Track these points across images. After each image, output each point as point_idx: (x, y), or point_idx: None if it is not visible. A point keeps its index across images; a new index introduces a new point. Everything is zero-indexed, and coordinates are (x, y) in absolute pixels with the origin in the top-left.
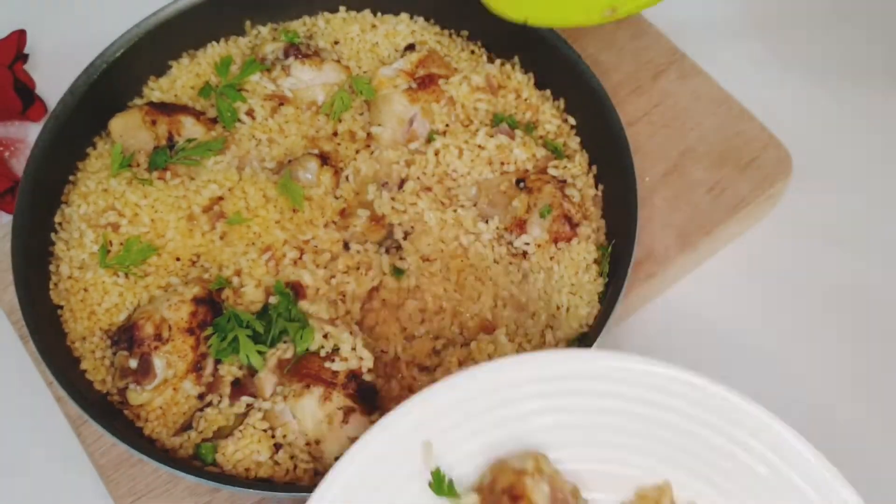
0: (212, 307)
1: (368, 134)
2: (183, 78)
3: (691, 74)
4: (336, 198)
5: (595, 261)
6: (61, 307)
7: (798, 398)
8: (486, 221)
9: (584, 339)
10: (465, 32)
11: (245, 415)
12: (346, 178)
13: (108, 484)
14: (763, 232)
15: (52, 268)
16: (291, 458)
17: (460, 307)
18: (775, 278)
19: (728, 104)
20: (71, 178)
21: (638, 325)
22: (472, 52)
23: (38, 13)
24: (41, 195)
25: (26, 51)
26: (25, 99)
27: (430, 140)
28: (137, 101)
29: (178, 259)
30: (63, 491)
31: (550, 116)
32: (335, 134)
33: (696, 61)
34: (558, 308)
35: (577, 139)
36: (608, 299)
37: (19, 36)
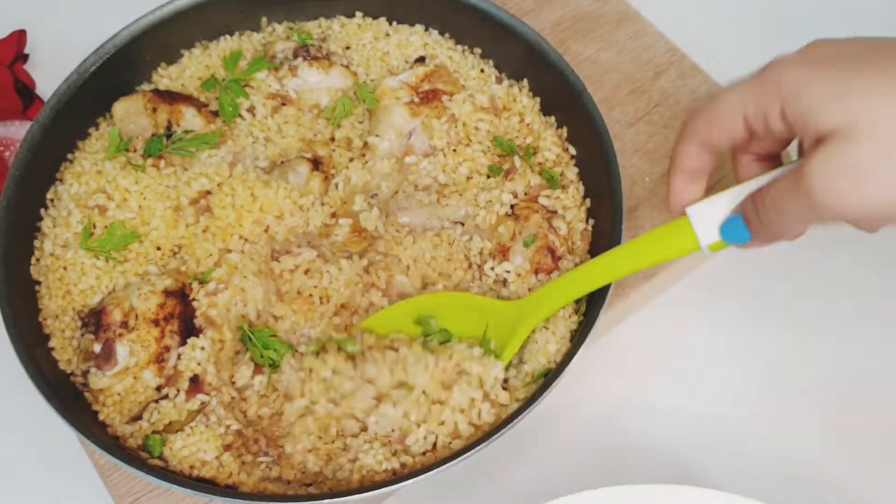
0: (182, 301)
1: (365, 143)
2: (192, 68)
3: (691, 74)
4: (322, 204)
5: None
6: (39, 283)
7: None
8: (470, 239)
9: (548, 376)
10: (478, 50)
11: (198, 412)
12: (336, 185)
13: (108, 484)
14: None
15: (36, 243)
16: (239, 457)
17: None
18: (770, 282)
19: None
20: (69, 156)
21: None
22: (482, 70)
23: (39, 13)
24: (35, 170)
25: (26, 51)
26: (26, 99)
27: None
28: (145, 87)
29: (158, 248)
30: (63, 491)
31: (551, 144)
32: (332, 139)
33: (696, 61)
34: (531, 342)
35: (576, 170)
36: (576, 341)
37: (19, 36)
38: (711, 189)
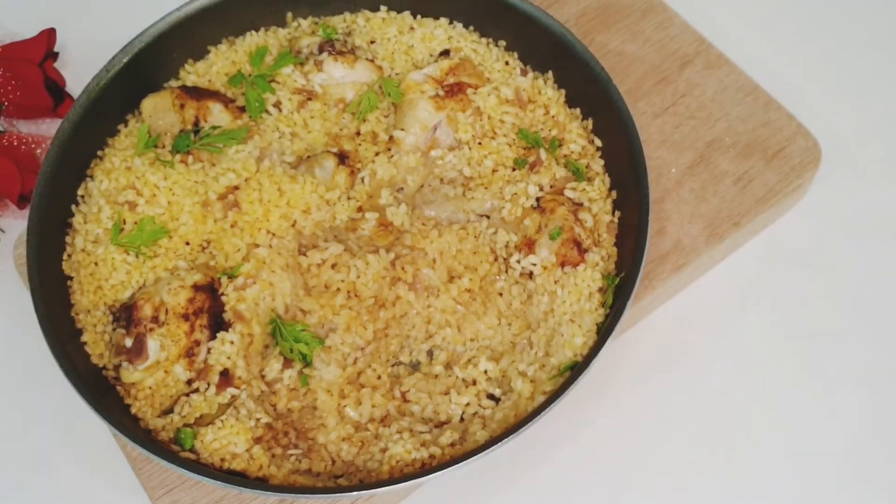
0: (212, 295)
1: (391, 137)
2: (219, 64)
3: (717, 64)
4: (349, 199)
5: (600, 289)
6: (71, 279)
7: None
8: (496, 232)
9: (574, 369)
10: (502, 42)
11: (228, 405)
12: (363, 179)
13: (141, 476)
14: (789, 223)
15: (67, 239)
16: (269, 450)
17: (464, 322)
18: (798, 273)
19: (755, 94)
20: (99, 152)
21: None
22: (507, 62)
23: (68, 12)
24: (66, 167)
25: (56, 49)
26: (56, 96)
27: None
28: (173, 83)
29: (187, 243)
30: (96, 483)
31: (577, 136)
32: (358, 133)
33: (723, 51)
34: (557, 334)
35: (601, 162)
36: (602, 333)
37: (49, 34)
38: None
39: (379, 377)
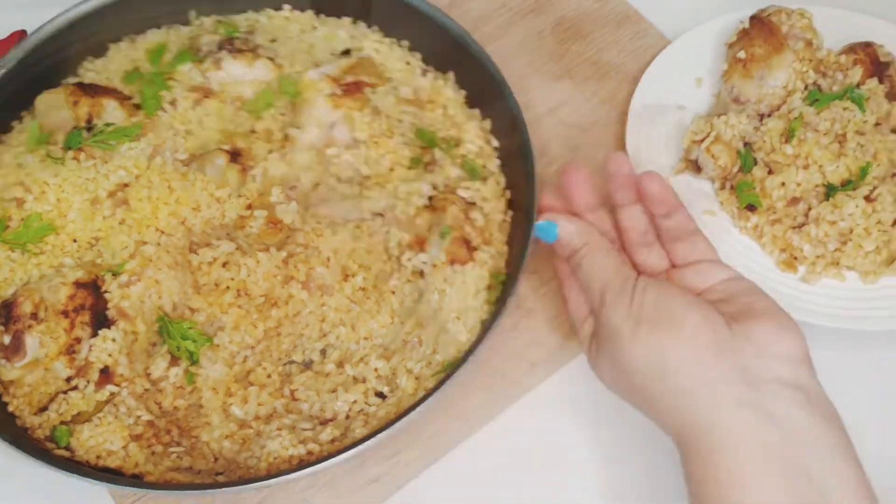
0: (94, 292)
1: (286, 135)
2: (118, 61)
3: None
4: (239, 196)
5: (487, 287)
6: None
7: None
8: (389, 231)
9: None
10: (405, 43)
11: (106, 402)
12: (254, 177)
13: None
14: None
15: None
16: (149, 447)
17: (358, 320)
18: None
19: None
20: None
21: None
22: (408, 62)
23: (39, 13)
24: None
25: None
26: None
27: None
28: (71, 80)
29: (75, 241)
30: (62, 489)
31: (474, 136)
32: (252, 131)
33: None
34: (444, 332)
35: (498, 162)
36: (482, 331)
37: (20, 36)
38: None
39: (269, 376)
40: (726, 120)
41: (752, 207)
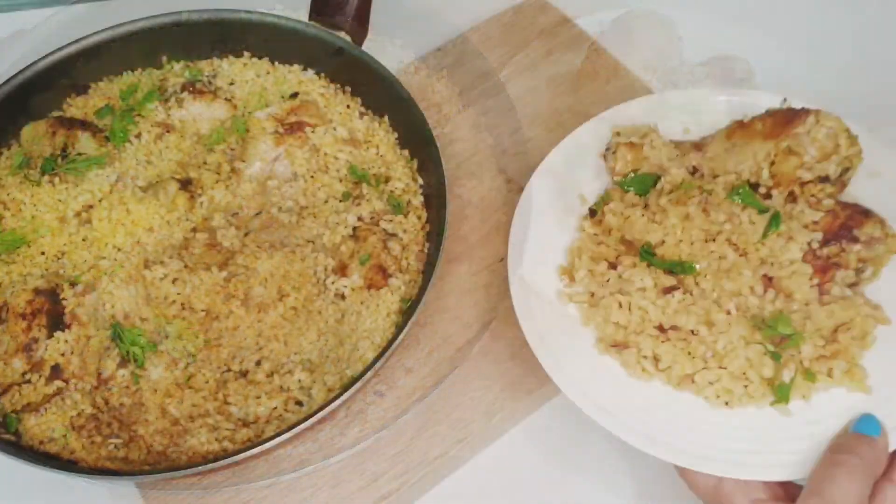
0: (51, 299)
1: (233, 168)
2: (96, 98)
3: None
4: (187, 220)
5: (398, 310)
6: None
7: None
8: (317, 257)
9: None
10: (348, 88)
11: (54, 395)
12: (201, 204)
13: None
14: None
15: None
16: (89, 437)
17: (290, 337)
18: None
19: None
20: None
21: None
22: (348, 106)
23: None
24: None
25: None
26: None
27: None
28: (56, 113)
29: (43, 253)
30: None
31: (402, 174)
32: (205, 163)
33: None
34: (356, 350)
35: (422, 198)
36: (384, 349)
37: None
38: None
39: (207, 381)
40: (656, 140)
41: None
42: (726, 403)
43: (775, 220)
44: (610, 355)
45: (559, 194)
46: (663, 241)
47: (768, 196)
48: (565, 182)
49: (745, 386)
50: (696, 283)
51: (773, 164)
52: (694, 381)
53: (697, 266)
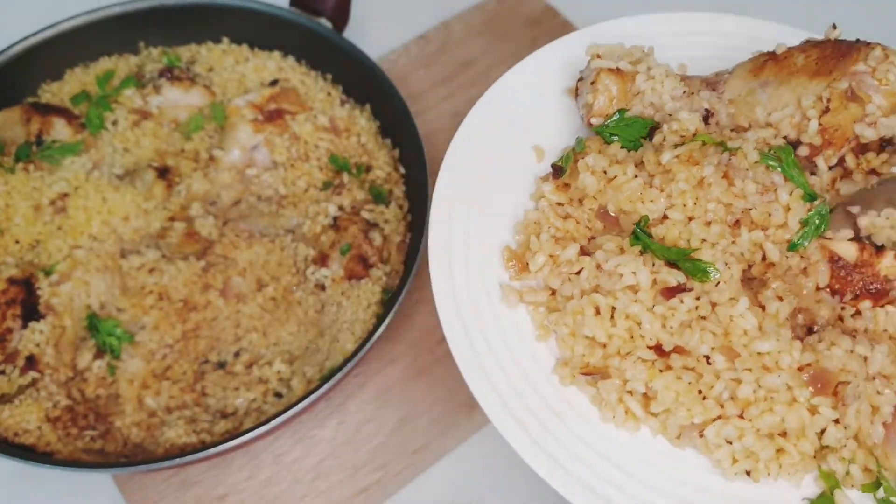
0: (26, 289)
1: (211, 156)
2: (71, 84)
3: None
4: (164, 209)
5: (379, 301)
6: None
7: None
8: (297, 246)
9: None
10: (329, 75)
11: (28, 386)
12: (179, 192)
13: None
14: None
15: None
16: (64, 429)
17: (269, 327)
18: None
19: None
20: None
21: None
22: (329, 93)
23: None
24: None
25: None
26: None
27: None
28: (30, 100)
29: (17, 242)
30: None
31: (384, 163)
32: (182, 151)
33: None
34: (336, 341)
35: (404, 188)
36: (363, 341)
37: None
38: None
39: (184, 372)
40: (655, 68)
41: None
42: (747, 473)
43: (819, 219)
44: (578, 388)
45: (507, 145)
46: (665, 217)
47: (811, 162)
48: (515, 127)
49: (778, 451)
50: (715, 284)
51: (825, 111)
52: (703, 436)
53: (715, 263)
